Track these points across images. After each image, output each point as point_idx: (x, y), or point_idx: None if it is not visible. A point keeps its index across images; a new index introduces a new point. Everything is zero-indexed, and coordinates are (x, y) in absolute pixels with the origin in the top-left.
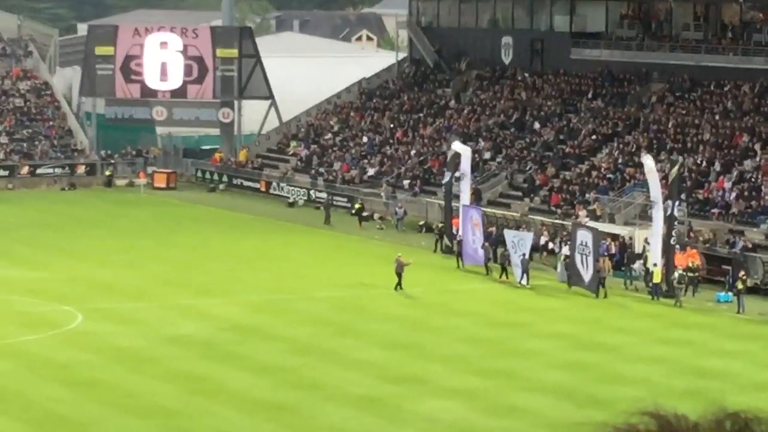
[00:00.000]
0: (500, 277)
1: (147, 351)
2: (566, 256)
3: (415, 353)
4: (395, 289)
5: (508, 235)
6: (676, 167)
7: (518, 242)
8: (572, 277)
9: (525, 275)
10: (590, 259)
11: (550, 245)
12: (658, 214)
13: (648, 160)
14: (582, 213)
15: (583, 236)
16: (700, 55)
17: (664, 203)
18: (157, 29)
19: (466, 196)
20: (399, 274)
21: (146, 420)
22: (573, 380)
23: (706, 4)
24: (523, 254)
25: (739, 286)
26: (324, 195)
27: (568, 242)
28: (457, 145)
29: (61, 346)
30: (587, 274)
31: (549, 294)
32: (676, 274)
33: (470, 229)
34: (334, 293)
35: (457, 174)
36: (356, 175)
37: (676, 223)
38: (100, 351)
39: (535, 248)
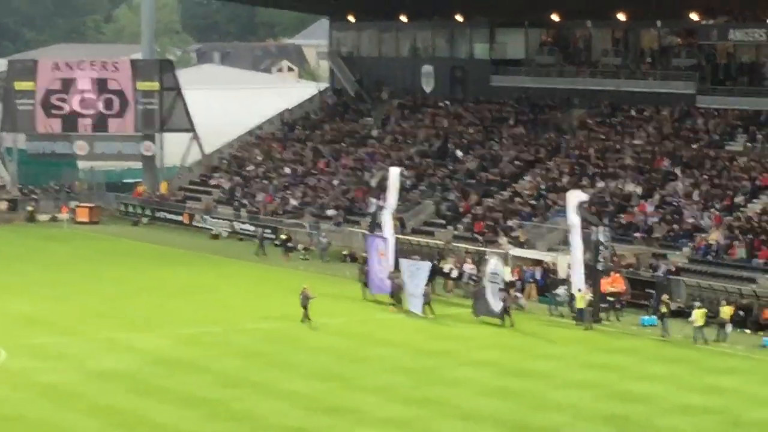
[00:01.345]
0: (391, 305)
1: (72, 386)
2: (474, 284)
3: (345, 384)
4: (302, 321)
5: (405, 264)
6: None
7: (415, 271)
8: (480, 306)
9: (425, 305)
10: (499, 288)
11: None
12: (576, 240)
13: (572, 194)
14: (503, 240)
15: (495, 265)
16: (619, 80)
17: (588, 228)
18: (77, 63)
19: (388, 226)
20: (305, 307)
21: None
22: (502, 407)
23: (625, 29)
24: (422, 284)
25: (663, 309)
26: (251, 227)
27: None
28: (391, 174)
29: None
30: (497, 304)
31: (473, 322)
32: (587, 298)
33: (376, 259)
34: (262, 325)
35: (381, 203)
36: (279, 206)
37: (601, 248)
38: (24, 387)
39: (460, 276)
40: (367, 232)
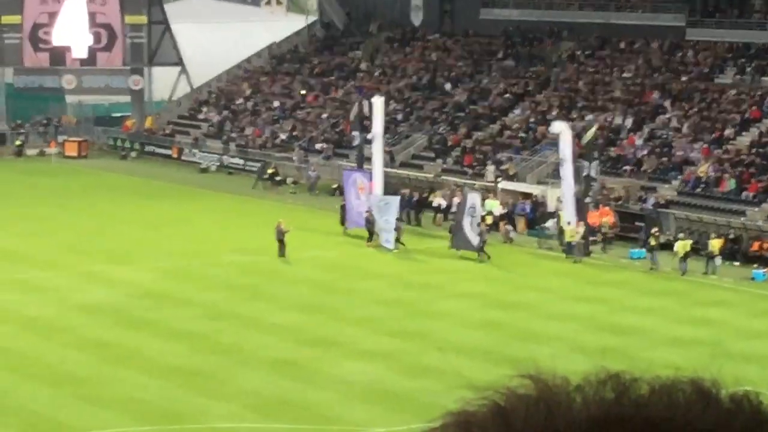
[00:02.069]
0: (367, 241)
1: (58, 319)
2: (453, 219)
3: (329, 316)
4: (279, 256)
5: (374, 199)
6: (592, 131)
7: (384, 206)
8: (459, 240)
9: (396, 240)
10: (477, 222)
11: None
12: (567, 173)
13: (558, 127)
14: (490, 172)
15: (474, 200)
16: (608, 13)
17: (578, 162)
18: None
19: (378, 158)
20: (280, 241)
21: (58, 388)
22: (488, 339)
23: None
24: (392, 219)
25: (652, 242)
26: (241, 161)
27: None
28: (374, 103)
29: None
30: (475, 238)
31: (460, 255)
32: (580, 231)
33: (354, 193)
34: (247, 258)
35: (368, 135)
36: (268, 140)
37: (593, 184)
38: (10, 320)
39: (448, 209)
40: (354, 166)
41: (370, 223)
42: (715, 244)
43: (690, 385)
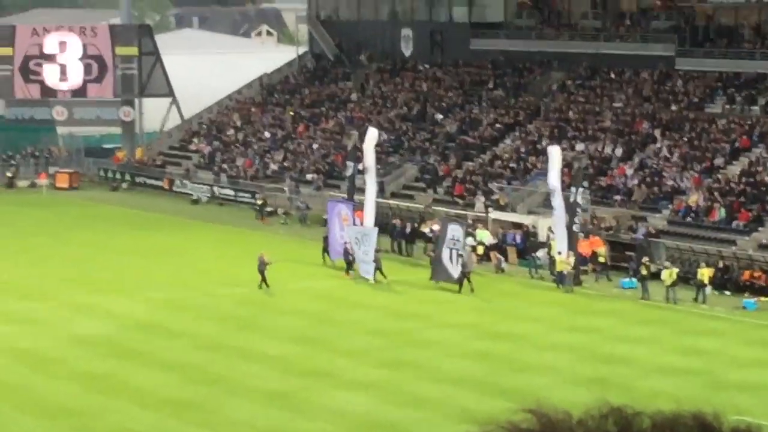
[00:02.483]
0: (345, 273)
1: (50, 351)
2: (432, 250)
3: (320, 347)
4: (259, 287)
5: (352, 230)
6: (581, 164)
7: (362, 237)
8: (438, 272)
9: (376, 271)
10: (461, 253)
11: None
12: (558, 203)
13: (554, 151)
14: (480, 200)
15: (454, 231)
16: (598, 43)
17: (567, 190)
18: (55, 29)
19: (371, 189)
20: (262, 272)
21: (51, 420)
22: (479, 370)
23: None
24: (371, 250)
25: (643, 272)
26: (232, 192)
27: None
28: (367, 135)
29: None
30: (456, 270)
31: (449, 285)
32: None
33: (338, 224)
34: (238, 289)
35: (360, 166)
36: (259, 170)
37: (579, 210)
38: (2, 352)
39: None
40: (342, 196)
41: (348, 255)
42: (704, 273)
43: (692, 419)
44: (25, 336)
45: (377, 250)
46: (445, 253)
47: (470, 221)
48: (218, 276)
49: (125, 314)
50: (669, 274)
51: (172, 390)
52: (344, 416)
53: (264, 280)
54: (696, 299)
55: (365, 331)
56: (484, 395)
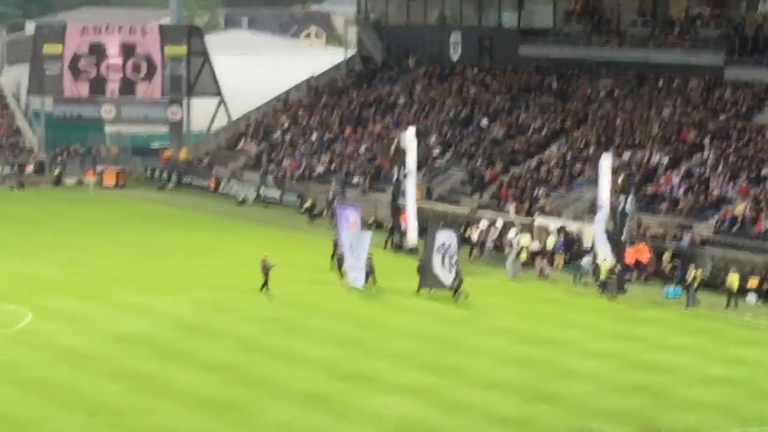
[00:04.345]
0: (341, 279)
1: (94, 349)
2: (422, 258)
3: (362, 350)
4: (261, 289)
5: (346, 236)
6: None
7: (357, 242)
8: (428, 279)
9: (368, 276)
10: (453, 260)
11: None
12: (602, 216)
13: (605, 161)
14: (511, 207)
15: (445, 237)
16: (647, 50)
17: (617, 199)
18: (105, 28)
19: (411, 193)
20: (266, 275)
21: (94, 418)
22: (521, 375)
23: None
24: (364, 255)
25: (689, 280)
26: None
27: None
28: (406, 137)
29: (8, 346)
30: (448, 276)
31: (493, 290)
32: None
33: (347, 229)
34: (283, 290)
35: (404, 171)
36: (305, 172)
37: (626, 218)
38: (47, 350)
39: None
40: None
41: (341, 261)
42: (733, 279)
43: None
44: (68, 334)
45: (369, 256)
46: (435, 260)
47: (518, 225)
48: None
49: (169, 314)
50: (693, 275)
51: (215, 391)
52: (384, 420)
53: (266, 282)
54: (728, 306)
55: (407, 335)
56: (525, 401)
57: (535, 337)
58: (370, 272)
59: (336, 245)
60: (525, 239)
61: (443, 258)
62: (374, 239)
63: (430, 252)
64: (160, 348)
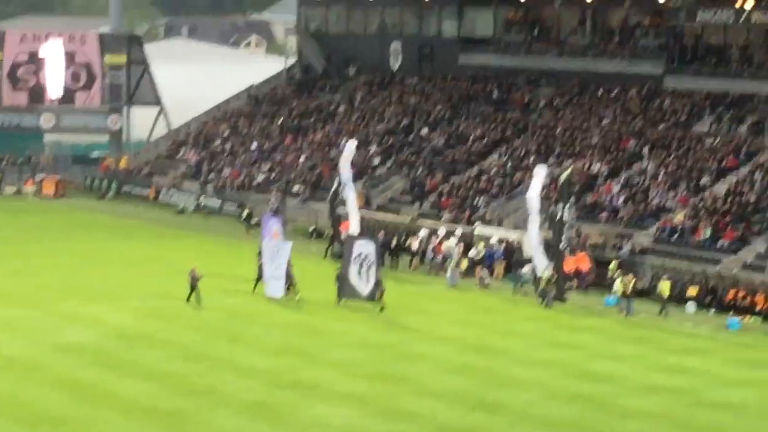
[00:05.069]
0: (254, 289)
1: (36, 359)
2: (340, 268)
3: (306, 359)
4: (187, 300)
5: (267, 246)
6: (566, 173)
7: (276, 252)
8: (344, 289)
9: (289, 287)
10: (371, 271)
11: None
12: (534, 218)
13: (540, 171)
14: (444, 218)
15: (362, 247)
16: (587, 60)
17: (555, 207)
18: (44, 36)
19: (353, 201)
20: (193, 286)
21: (36, 428)
22: (464, 384)
23: (593, 8)
24: (283, 264)
25: (628, 289)
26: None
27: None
28: (350, 145)
29: None
30: (366, 286)
31: (434, 298)
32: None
33: (270, 240)
34: (224, 300)
35: (339, 181)
36: (245, 181)
37: (565, 227)
38: None
39: (423, 254)
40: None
41: (260, 271)
42: (664, 286)
43: None
44: (9, 343)
45: (290, 265)
46: (352, 270)
47: (458, 234)
48: (204, 286)
49: (111, 323)
50: (621, 285)
51: (158, 400)
52: (329, 429)
53: (192, 293)
54: (660, 312)
55: (350, 343)
56: (469, 410)
57: (477, 345)
58: (290, 283)
59: (259, 254)
60: (450, 246)
61: (360, 268)
62: (316, 248)
63: (347, 262)
64: (102, 357)
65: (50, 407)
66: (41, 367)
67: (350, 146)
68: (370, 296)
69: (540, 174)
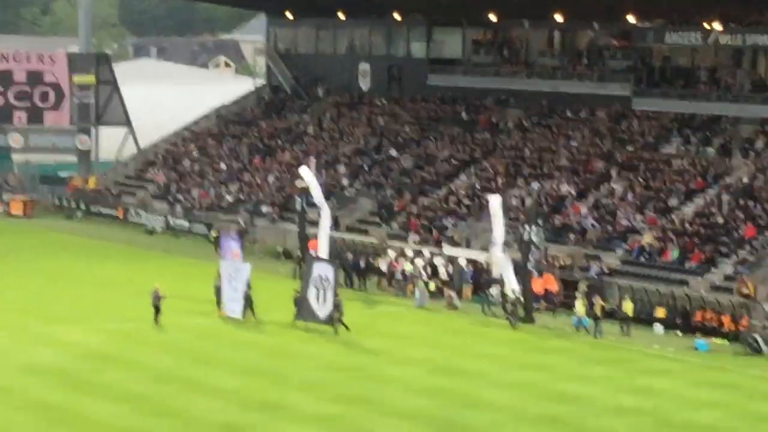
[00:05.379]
0: (218, 310)
1: (3, 380)
2: (299, 290)
3: (275, 380)
4: (155, 321)
5: (224, 265)
6: (533, 197)
7: (235, 273)
8: (303, 311)
9: (247, 308)
10: (329, 293)
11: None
12: (496, 249)
13: (494, 201)
14: (412, 238)
15: (322, 270)
16: (556, 81)
17: (522, 228)
18: (12, 55)
19: (325, 224)
20: (156, 306)
21: None
22: (433, 405)
23: (562, 30)
24: (241, 286)
25: (596, 310)
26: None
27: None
28: (303, 171)
29: None
30: (323, 309)
31: (403, 319)
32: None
33: (230, 260)
34: (194, 321)
35: (307, 200)
36: (214, 202)
37: (533, 248)
38: None
39: (393, 274)
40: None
41: (218, 291)
42: (627, 306)
43: None
44: None
45: (248, 287)
46: (311, 293)
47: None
48: (172, 307)
49: (80, 344)
50: (581, 304)
51: (127, 422)
52: None
53: (157, 314)
54: (622, 332)
55: (319, 365)
56: (437, 431)
57: (446, 367)
58: (248, 304)
59: (218, 275)
60: (409, 267)
61: (318, 291)
62: (284, 269)
63: (306, 283)
64: (70, 378)
65: (18, 429)
66: (9, 388)
67: (303, 171)
68: (327, 319)
69: (494, 205)
